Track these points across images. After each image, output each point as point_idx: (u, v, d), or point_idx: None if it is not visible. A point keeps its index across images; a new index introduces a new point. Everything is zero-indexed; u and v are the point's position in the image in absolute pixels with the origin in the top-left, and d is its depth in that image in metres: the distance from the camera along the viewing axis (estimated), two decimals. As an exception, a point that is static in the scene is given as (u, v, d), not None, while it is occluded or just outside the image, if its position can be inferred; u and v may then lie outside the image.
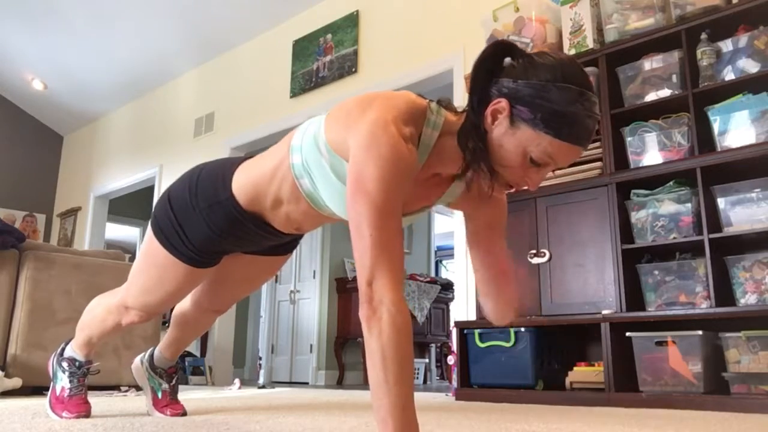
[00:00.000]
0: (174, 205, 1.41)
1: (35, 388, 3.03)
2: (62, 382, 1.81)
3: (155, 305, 1.57)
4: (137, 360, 1.96)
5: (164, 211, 1.43)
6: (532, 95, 0.99)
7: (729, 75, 2.69)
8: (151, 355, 1.94)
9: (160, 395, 1.91)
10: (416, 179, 1.14)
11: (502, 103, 1.02)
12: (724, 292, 2.51)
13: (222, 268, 1.64)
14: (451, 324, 4.02)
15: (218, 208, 1.35)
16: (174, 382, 1.94)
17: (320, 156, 1.15)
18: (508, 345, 2.90)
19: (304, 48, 5.08)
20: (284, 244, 1.62)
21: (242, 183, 1.33)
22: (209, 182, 1.37)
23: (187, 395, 2.87)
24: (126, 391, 3.23)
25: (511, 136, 1.02)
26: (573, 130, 0.99)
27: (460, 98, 3.85)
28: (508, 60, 1.04)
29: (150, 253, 1.48)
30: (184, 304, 1.81)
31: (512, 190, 1.11)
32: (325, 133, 1.13)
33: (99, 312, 1.71)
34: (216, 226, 1.37)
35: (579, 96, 0.99)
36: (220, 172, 1.38)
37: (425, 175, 1.16)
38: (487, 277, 1.30)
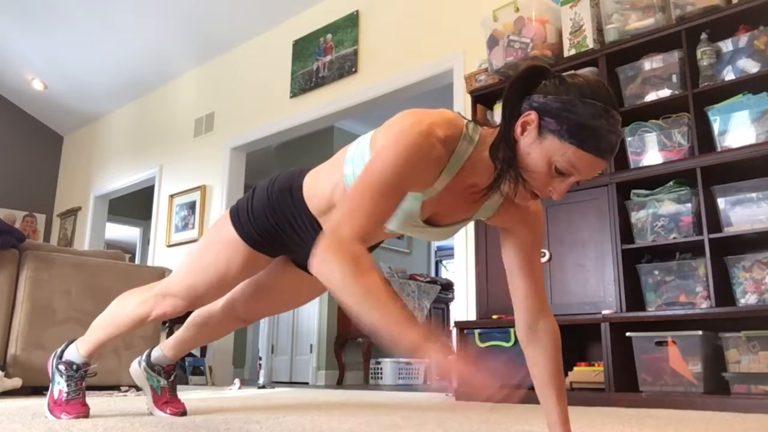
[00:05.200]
0: (255, 191, 1.53)
1: (35, 388, 3.03)
2: (60, 386, 1.81)
3: (201, 289, 1.58)
4: (134, 362, 1.97)
5: (246, 197, 1.55)
6: (559, 108, 1.06)
7: (729, 75, 2.69)
8: (149, 355, 1.95)
9: (159, 392, 1.94)
10: (452, 191, 1.21)
11: (532, 115, 1.09)
12: (724, 292, 2.51)
13: (271, 274, 1.71)
14: (451, 324, 4.03)
15: (287, 193, 1.45)
16: (172, 378, 1.96)
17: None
18: (508, 345, 2.90)
19: (304, 48, 5.08)
20: None
21: (309, 181, 1.44)
22: (289, 174, 1.50)
23: (187, 395, 2.87)
24: (126, 391, 3.23)
25: (538, 146, 1.08)
26: (596, 143, 1.05)
27: (460, 98, 3.85)
28: (540, 80, 1.12)
29: (215, 233, 1.58)
30: (212, 307, 1.82)
31: (537, 199, 1.18)
32: (369, 146, 1.23)
33: (129, 305, 1.71)
34: (279, 210, 1.46)
35: (603, 112, 1.05)
36: (299, 169, 1.51)
37: (461, 186, 1.21)
38: (528, 308, 1.27)
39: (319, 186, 1.39)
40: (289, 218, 1.45)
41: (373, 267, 1.02)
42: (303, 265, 1.66)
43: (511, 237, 1.29)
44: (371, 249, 1.54)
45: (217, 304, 1.80)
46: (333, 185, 1.35)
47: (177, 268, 1.65)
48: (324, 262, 1.03)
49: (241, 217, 1.52)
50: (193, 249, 1.63)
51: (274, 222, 1.47)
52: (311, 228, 1.44)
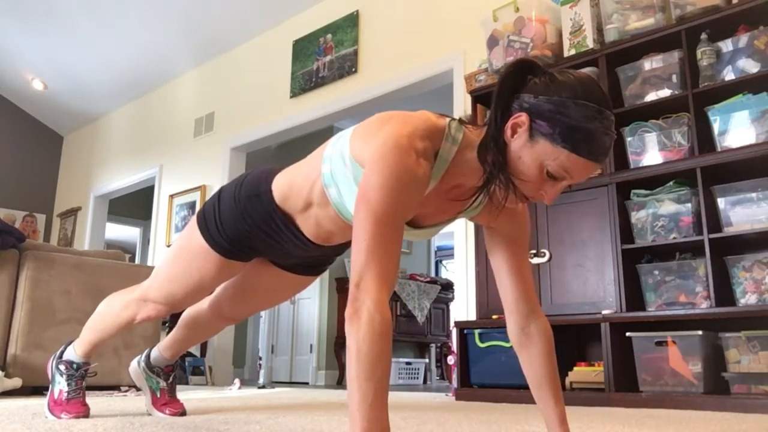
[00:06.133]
0: (222, 197, 1.49)
1: (35, 388, 3.03)
2: (60, 386, 1.82)
3: (179, 296, 1.57)
4: (134, 362, 1.97)
5: (212, 202, 1.51)
6: (551, 111, 1.02)
7: (729, 75, 2.68)
8: (148, 356, 1.95)
9: (158, 394, 1.93)
10: (438, 192, 1.18)
11: (522, 117, 1.05)
12: (724, 292, 2.51)
13: (250, 276, 1.68)
14: (451, 324, 4.02)
15: (255, 200, 1.42)
16: (171, 380, 1.95)
17: (345, 168, 1.20)
18: (508, 345, 2.90)
19: (304, 48, 5.08)
20: (312, 266, 1.67)
21: (281, 182, 1.40)
22: (255, 178, 1.46)
23: (187, 395, 2.87)
24: (126, 391, 3.23)
25: (530, 149, 1.05)
26: (590, 146, 1.02)
27: (460, 98, 3.85)
28: (530, 77, 1.08)
29: (186, 240, 1.54)
30: (199, 307, 1.82)
31: (527, 202, 1.14)
32: (349, 147, 1.19)
33: (115, 308, 1.71)
34: (249, 216, 1.43)
35: (597, 113, 1.02)
36: (266, 171, 1.46)
37: (446, 187, 1.18)
38: (516, 306, 1.25)
39: (294, 186, 1.36)
40: (261, 224, 1.42)
41: (386, 344, 0.97)
42: (282, 264, 1.65)
43: (498, 236, 1.26)
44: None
45: (204, 304, 1.80)
46: (311, 184, 1.31)
47: (154, 272, 1.64)
48: (350, 323, 0.98)
49: (209, 225, 1.48)
50: (167, 254, 1.61)
51: (245, 229, 1.44)
52: (286, 230, 1.41)
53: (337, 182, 1.23)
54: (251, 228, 1.43)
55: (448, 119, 1.16)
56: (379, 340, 0.97)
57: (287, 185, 1.38)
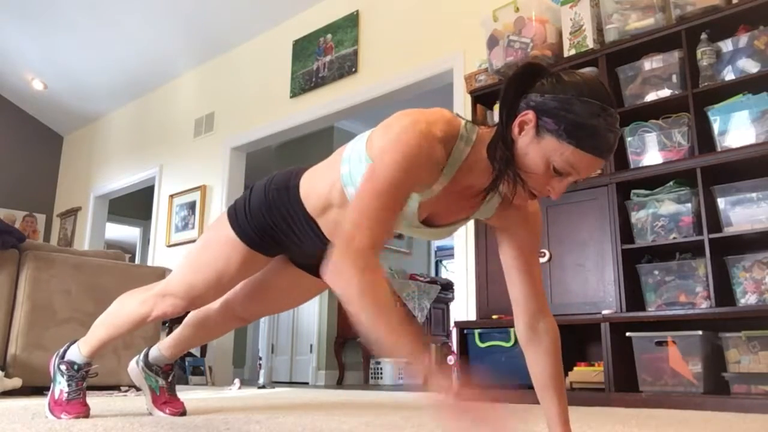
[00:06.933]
0: (253, 191, 1.54)
1: (35, 388, 3.03)
2: (61, 386, 1.82)
3: (199, 289, 1.57)
4: (132, 362, 1.97)
5: (243, 197, 1.55)
6: (557, 108, 1.05)
7: (729, 75, 2.69)
8: (146, 355, 1.95)
9: (158, 392, 1.93)
10: (449, 192, 1.21)
11: (529, 115, 1.08)
12: (724, 292, 2.51)
13: (268, 273, 1.70)
14: (451, 324, 4.03)
15: (284, 192, 1.45)
16: (170, 378, 1.95)
17: (361, 165, 1.24)
18: (508, 345, 2.90)
19: (304, 48, 5.08)
20: None
21: (306, 181, 1.44)
22: (285, 174, 1.50)
23: (187, 395, 2.87)
24: (126, 391, 3.23)
25: (536, 146, 1.08)
26: (594, 142, 1.05)
27: (460, 98, 3.85)
28: (537, 78, 1.11)
29: (214, 232, 1.58)
30: (209, 306, 1.81)
31: (536, 199, 1.17)
32: (366, 145, 1.23)
33: (130, 305, 1.71)
34: (276, 207, 1.46)
35: (601, 111, 1.05)
36: (296, 168, 1.51)
37: (458, 187, 1.21)
38: (530, 311, 1.27)
39: (316, 185, 1.39)
40: (286, 217, 1.45)
41: (385, 284, 1.04)
42: (301, 264, 1.67)
43: (510, 238, 1.28)
44: None
45: (215, 304, 1.80)
46: (330, 185, 1.34)
47: (176, 267, 1.65)
48: (341, 276, 1.04)
49: (238, 216, 1.51)
50: (191, 248, 1.63)
51: (271, 220, 1.47)
52: (308, 227, 1.44)
53: (355, 182, 1.26)
54: (276, 220, 1.46)
55: (463, 120, 1.19)
56: (373, 289, 1.02)
57: (311, 184, 1.41)
